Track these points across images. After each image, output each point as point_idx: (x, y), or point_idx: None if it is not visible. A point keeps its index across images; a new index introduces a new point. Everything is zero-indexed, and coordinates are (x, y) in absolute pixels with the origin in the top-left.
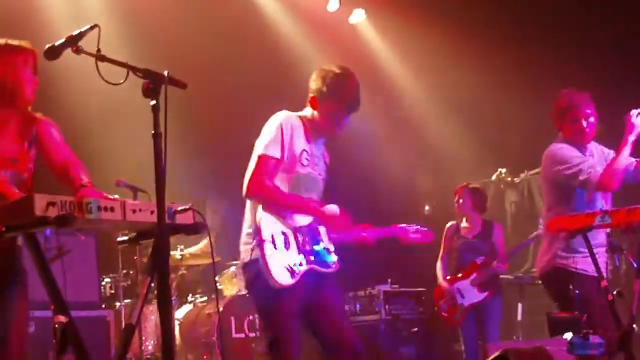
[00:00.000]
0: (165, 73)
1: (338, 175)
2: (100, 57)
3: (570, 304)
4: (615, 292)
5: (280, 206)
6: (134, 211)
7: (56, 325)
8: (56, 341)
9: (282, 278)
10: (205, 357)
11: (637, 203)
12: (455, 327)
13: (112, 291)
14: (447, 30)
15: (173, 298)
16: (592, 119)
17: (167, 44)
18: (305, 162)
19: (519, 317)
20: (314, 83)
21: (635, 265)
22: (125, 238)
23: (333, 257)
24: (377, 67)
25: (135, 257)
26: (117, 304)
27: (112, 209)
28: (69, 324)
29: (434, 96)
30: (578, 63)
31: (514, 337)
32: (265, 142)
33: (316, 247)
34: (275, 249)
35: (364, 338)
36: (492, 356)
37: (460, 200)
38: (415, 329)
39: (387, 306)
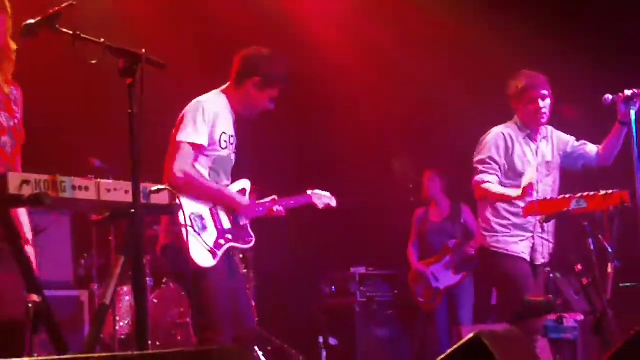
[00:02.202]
0: (142, 53)
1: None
2: (76, 36)
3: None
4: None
5: (202, 196)
6: (108, 191)
7: (29, 305)
8: (29, 321)
9: (203, 260)
10: (179, 337)
11: (606, 187)
12: (431, 310)
13: (87, 271)
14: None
15: (148, 279)
16: (548, 101)
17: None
18: (224, 145)
19: (493, 301)
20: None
21: (610, 250)
22: (100, 218)
23: (249, 233)
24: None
25: (110, 237)
26: (92, 284)
27: (86, 188)
28: (42, 303)
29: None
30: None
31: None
32: (189, 129)
33: (231, 225)
34: (195, 231)
35: (339, 320)
36: (465, 338)
37: (429, 183)
38: (390, 312)
39: (362, 288)
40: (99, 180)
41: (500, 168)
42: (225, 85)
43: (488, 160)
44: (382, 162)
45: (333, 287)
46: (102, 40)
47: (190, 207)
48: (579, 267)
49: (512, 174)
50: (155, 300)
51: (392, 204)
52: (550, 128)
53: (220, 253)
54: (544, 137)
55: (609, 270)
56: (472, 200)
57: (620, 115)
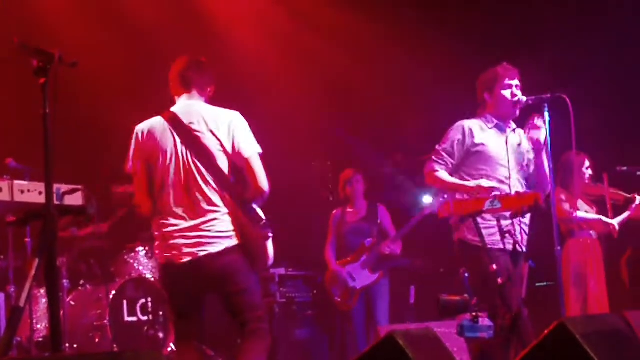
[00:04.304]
0: (56, 52)
1: None
2: None
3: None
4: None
5: None
6: (22, 192)
7: None
8: None
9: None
10: (97, 340)
11: None
12: (348, 310)
13: (3, 273)
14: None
15: (65, 281)
16: (520, 93)
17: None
18: None
19: (412, 300)
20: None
21: (524, 250)
22: (14, 219)
23: None
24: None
25: (26, 239)
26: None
27: None
28: None
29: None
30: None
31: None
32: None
33: None
34: None
35: None
36: (380, 338)
37: (354, 185)
38: (310, 312)
39: (282, 289)
40: (12, 181)
41: (452, 160)
42: (200, 96)
43: (442, 152)
44: (301, 162)
45: None
46: (15, 39)
47: None
48: (494, 267)
49: (480, 162)
50: (73, 303)
51: (311, 204)
52: (521, 131)
53: None
54: (513, 131)
55: (524, 269)
56: (388, 201)
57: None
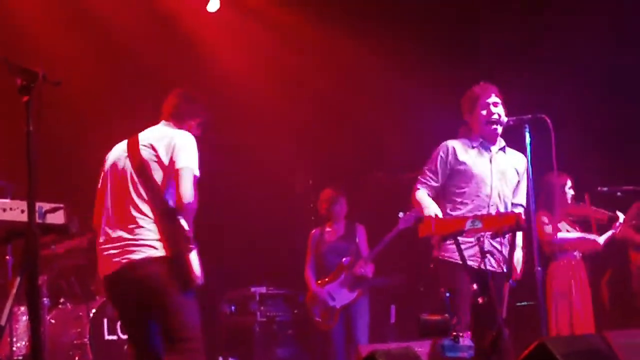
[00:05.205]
0: (40, 71)
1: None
2: None
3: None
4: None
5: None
6: (4, 210)
7: None
8: None
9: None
10: (77, 358)
11: None
12: (328, 329)
13: None
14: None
15: (45, 299)
16: (501, 109)
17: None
18: None
19: (392, 319)
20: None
21: (505, 270)
22: None
23: None
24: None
25: (7, 257)
26: None
27: None
28: None
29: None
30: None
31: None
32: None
33: None
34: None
35: (239, 340)
36: (360, 358)
37: (338, 206)
38: (290, 331)
39: (262, 308)
40: None
41: (436, 178)
42: (175, 127)
43: (426, 172)
44: (282, 181)
45: (233, 307)
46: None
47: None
48: (475, 286)
49: (462, 181)
50: (53, 321)
51: (292, 223)
52: (514, 153)
53: None
54: (501, 149)
55: (504, 289)
56: (366, 221)
57: None
